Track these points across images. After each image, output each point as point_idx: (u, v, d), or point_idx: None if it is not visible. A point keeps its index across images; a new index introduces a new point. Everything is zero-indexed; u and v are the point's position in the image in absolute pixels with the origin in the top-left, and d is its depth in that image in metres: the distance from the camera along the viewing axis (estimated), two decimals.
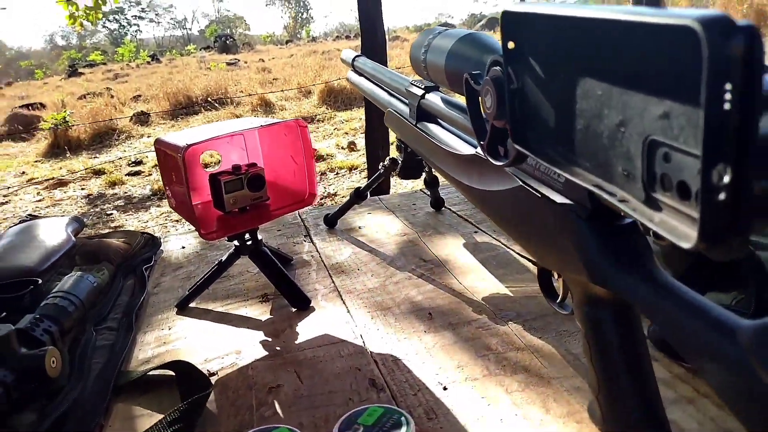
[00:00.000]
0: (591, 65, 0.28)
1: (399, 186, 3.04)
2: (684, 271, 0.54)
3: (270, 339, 0.67)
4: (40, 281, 0.67)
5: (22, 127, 6.67)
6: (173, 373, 0.59)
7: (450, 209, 1.05)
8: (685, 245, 0.23)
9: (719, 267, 0.54)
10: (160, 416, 0.51)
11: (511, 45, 0.35)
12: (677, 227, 0.24)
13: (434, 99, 0.68)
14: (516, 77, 0.36)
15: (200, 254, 0.96)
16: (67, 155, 5.30)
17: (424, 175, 0.98)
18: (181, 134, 0.70)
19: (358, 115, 5.33)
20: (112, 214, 3.51)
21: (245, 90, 7.43)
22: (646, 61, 0.23)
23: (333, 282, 0.80)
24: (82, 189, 4.17)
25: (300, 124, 0.74)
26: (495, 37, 0.47)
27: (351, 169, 3.91)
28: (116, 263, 0.83)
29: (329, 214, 1.02)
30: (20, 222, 0.93)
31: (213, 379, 0.59)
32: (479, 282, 0.76)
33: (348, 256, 0.89)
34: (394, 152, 0.99)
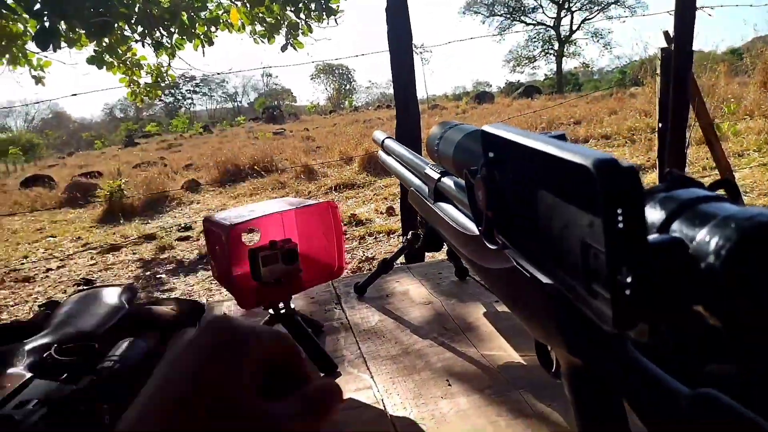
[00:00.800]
0: (542, 179, 0.35)
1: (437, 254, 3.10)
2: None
3: None
4: (97, 345, 0.76)
5: (80, 194, 7.11)
6: None
7: (474, 278, 1.10)
8: (607, 328, 0.29)
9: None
10: None
11: (491, 154, 0.43)
12: (605, 313, 0.30)
13: (448, 183, 0.76)
14: (498, 179, 0.43)
15: None
16: (121, 221, 5.61)
17: (445, 246, 1.05)
18: (227, 214, 0.80)
19: (397, 180, 5.48)
20: (161, 277, 3.68)
21: (290, 158, 7.77)
22: (571, 184, 0.30)
23: (359, 348, 0.86)
24: (134, 254, 4.39)
25: (332, 205, 0.83)
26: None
27: (389, 233, 4.00)
28: (165, 329, 0.92)
29: (359, 283, 1.09)
30: (75, 286, 1.04)
31: None
32: (497, 350, 0.81)
33: (375, 323, 0.95)
34: None
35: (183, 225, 5.07)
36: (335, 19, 3.80)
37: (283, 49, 3.93)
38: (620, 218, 0.26)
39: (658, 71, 2.44)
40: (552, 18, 31.36)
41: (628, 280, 0.27)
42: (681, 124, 2.38)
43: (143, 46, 3.82)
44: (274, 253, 0.82)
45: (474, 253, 0.65)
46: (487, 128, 0.41)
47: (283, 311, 0.82)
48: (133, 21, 3.45)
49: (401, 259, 1.76)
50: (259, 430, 0.26)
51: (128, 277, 3.79)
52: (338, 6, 3.81)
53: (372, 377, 0.77)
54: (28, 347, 0.77)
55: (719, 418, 0.30)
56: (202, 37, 3.88)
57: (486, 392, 0.70)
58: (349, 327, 0.95)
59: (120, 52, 3.88)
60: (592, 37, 31.67)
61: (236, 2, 3.80)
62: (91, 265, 4.22)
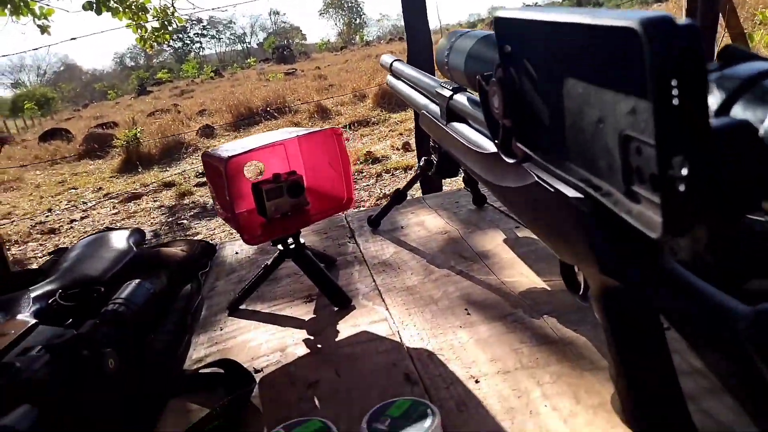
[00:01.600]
0: (570, 65, 0.29)
1: (455, 183, 3.04)
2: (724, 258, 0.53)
3: (312, 337, 0.70)
4: (103, 289, 0.74)
5: (97, 145, 7.13)
6: (222, 371, 0.63)
7: (492, 205, 1.05)
8: (653, 236, 0.23)
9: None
10: (209, 411, 0.55)
11: (507, 49, 0.36)
12: (652, 218, 0.25)
13: (461, 99, 0.69)
14: (516, 78, 0.37)
15: (252, 259, 1.01)
16: (140, 170, 5.63)
17: (462, 173, 0.99)
18: (226, 147, 0.75)
19: (412, 115, 5.35)
20: (182, 222, 3.70)
21: (302, 98, 7.63)
22: (609, 61, 0.24)
23: (374, 281, 0.83)
24: (155, 201, 4.41)
25: (336, 132, 0.77)
26: None
27: (406, 168, 3.93)
28: (174, 270, 0.89)
29: (372, 216, 1.05)
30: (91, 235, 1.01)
31: (258, 376, 0.63)
32: (518, 277, 0.77)
33: (389, 256, 0.91)
34: None
35: (200, 171, 5.06)
36: None
37: None
38: (675, 92, 0.20)
39: None
40: None
41: (683, 172, 0.21)
42: (710, 34, 2.22)
43: None
44: (278, 186, 0.77)
45: (491, 173, 0.60)
46: (501, 13, 0.34)
47: (292, 246, 0.78)
48: None
49: (419, 192, 1.71)
50: None
51: (151, 224, 3.83)
52: None
53: (387, 309, 0.74)
54: (34, 294, 0.76)
55: None
56: None
57: (507, 319, 0.67)
58: (363, 260, 0.91)
59: None
60: None
61: None
62: (113, 214, 4.26)
